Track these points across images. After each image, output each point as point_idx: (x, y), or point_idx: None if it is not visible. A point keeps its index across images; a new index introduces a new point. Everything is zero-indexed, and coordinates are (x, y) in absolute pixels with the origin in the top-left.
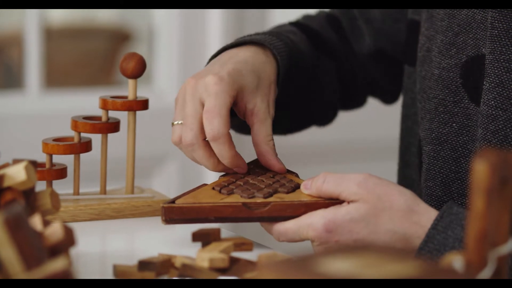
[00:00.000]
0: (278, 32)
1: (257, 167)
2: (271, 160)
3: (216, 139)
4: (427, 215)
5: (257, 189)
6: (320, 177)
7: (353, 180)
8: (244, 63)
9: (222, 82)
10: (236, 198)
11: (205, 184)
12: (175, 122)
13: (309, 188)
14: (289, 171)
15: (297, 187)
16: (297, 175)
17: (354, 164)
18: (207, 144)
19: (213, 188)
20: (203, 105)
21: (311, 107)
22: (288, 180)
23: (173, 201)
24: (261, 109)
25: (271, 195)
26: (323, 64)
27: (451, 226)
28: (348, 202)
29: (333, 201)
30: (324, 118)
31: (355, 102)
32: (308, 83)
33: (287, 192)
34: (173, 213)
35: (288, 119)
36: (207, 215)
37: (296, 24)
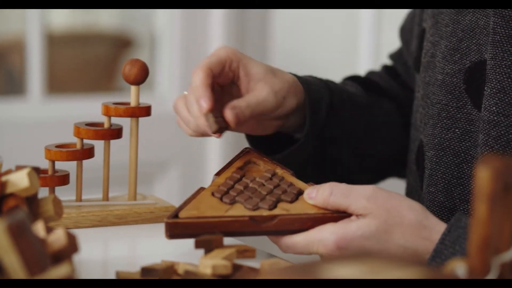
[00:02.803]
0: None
1: (250, 163)
2: (227, 108)
3: (196, 69)
4: (437, 229)
5: (260, 198)
6: (326, 188)
7: (362, 194)
8: (253, 58)
9: (227, 47)
10: (240, 210)
11: (202, 188)
12: (184, 92)
13: (314, 198)
14: (283, 168)
15: (299, 193)
16: (293, 174)
17: None
18: (208, 79)
19: (213, 194)
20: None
21: (378, 150)
22: (288, 183)
23: (176, 215)
24: (258, 88)
25: (275, 205)
26: (381, 103)
27: (459, 240)
28: (357, 216)
29: (341, 214)
30: (399, 166)
31: None
32: (367, 121)
33: (291, 201)
34: (178, 229)
35: (359, 166)
36: (213, 230)
37: (348, 78)
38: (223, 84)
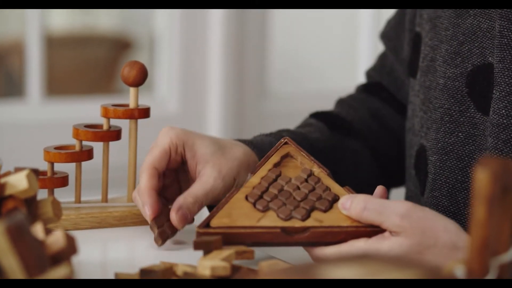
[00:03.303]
0: (282, 130)
1: (287, 157)
2: (172, 210)
3: (142, 170)
4: None
5: (293, 205)
6: (360, 201)
7: (396, 211)
8: (201, 135)
9: (172, 129)
10: (273, 219)
11: (237, 189)
12: None
13: (348, 209)
14: (320, 166)
15: (334, 200)
16: (329, 174)
17: None
18: (153, 173)
19: (246, 199)
20: None
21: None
22: (324, 187)
23: (207, 223)
24: (206, 174)
25: (309, 214)
26: (347, 144)
27: None
28: (391, 232)
29: (375, 229)
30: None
31: (395, 176)
32: (333, 165)
33: (325, 210)
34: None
35: None
36: (244, 240)
37: (314, 115)
38: (175, 168)
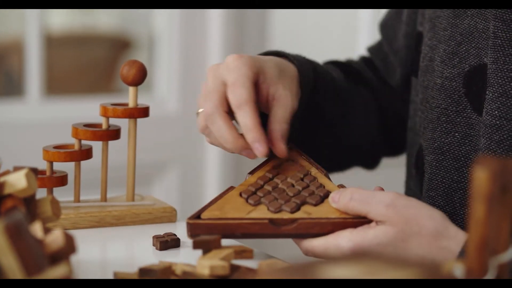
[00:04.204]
0: (308, 60)
1: (288, 161)
2: (276, 141)
3: (241, 105)
4: (456, 239)
5: (285, 200)
6: (347, 193)
7: (381, 201)
8: (264, 58)
9: (242, 58)
10: (263, 212)
11: (232, 187)
12: (199, 110)
13: (337, 202)
14: (318, 168)
15: (326, 196)
16: (326, 174)
17: (363, 172)
18: (227, 116)
19: (241, 195)
20: (225, 84)
21: (351, 137)
22: (318, 185)
23: (198, 215)
24: (282, 94)
25: (298, 208)
26: (359, 91)
27: None
28: (376, 222)
29: (361, 219)
30: (368, 157)
31: (396, 142)
32: (346, 106)
33: (315, 204)
34: (199, 229)
35: (330, 151)
36: (233, 231)
37: (330, 62)
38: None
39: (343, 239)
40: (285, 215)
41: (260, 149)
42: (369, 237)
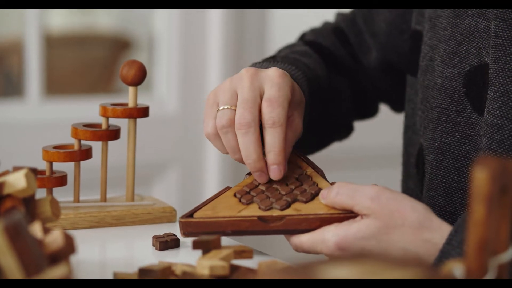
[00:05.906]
0: (294, 58)
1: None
2: (280, 165)
3: (275, 125)
4: (440, 231)
5: (276, 198)
6: (334, 187)
7: (366, 194)
8: (293, 80)
9: (286, 77)
10: (253, 210)
11: (228, 188)
12: (223, 107)
13: (325, 198)
14: (314, 167)
15: (317, 193)
16: (322, 173)
17: (359, 171)
18: (259, 132)
19: (235, 195)
20: (261, 94)
21: (331, 126)
22: (311, 183)
23: (191, 214)
24: (295, 120)
25: (288, 205)
26: (338, 83)
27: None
28: (362, 216)
29: (348, 214)
30: (343, 133)
31: (368, 112)
32: (326, 105)
33: (306, 201)
34: (191, 227)
35: (312, 140)
36: (224, 229)
37: (308, 43)
38: None
39: (328, 233)
40: (275, 213)
41: (276, 172)
42: (353, 231)
